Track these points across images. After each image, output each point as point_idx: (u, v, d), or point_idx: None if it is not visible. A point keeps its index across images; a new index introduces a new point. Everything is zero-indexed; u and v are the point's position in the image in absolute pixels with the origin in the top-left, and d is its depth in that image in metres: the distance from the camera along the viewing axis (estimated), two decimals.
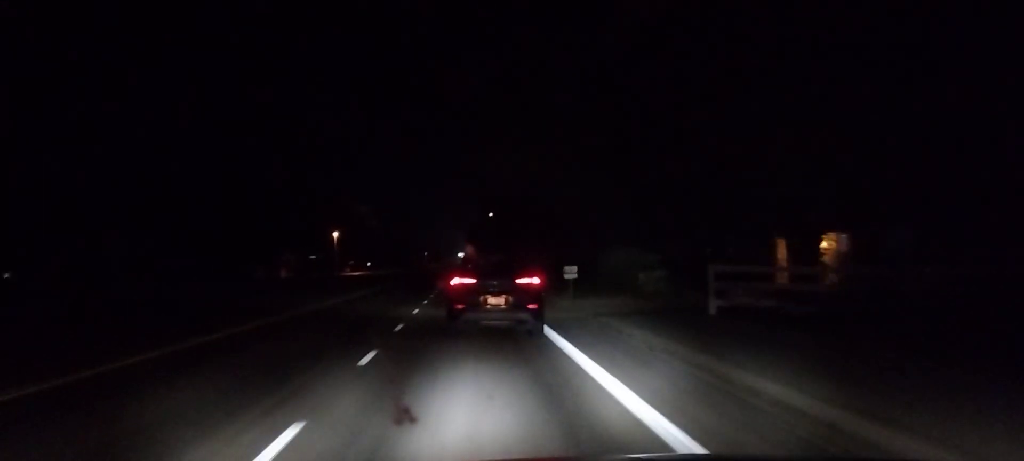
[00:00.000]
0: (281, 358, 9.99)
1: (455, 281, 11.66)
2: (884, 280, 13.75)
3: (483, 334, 12.19)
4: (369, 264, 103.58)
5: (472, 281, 11.48)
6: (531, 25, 24.29)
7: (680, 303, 17.90)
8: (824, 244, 23.49)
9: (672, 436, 5.25)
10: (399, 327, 14.38)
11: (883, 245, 18.83)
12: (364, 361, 9.39)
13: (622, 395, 6.93)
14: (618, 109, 23.09)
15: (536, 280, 11.36)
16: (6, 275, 34.66)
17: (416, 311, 19.19)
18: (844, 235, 20.33)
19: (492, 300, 11.29)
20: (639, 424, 5.71)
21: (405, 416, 5.81)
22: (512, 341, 11.39)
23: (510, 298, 11.22)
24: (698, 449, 4.85)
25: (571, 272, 21.10)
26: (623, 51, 21.73)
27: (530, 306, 11.23)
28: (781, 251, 21.45)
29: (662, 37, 20.42)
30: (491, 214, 50.73)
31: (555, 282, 24.38)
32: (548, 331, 12.38)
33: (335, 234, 68.34)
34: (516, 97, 25.80)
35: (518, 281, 11.30)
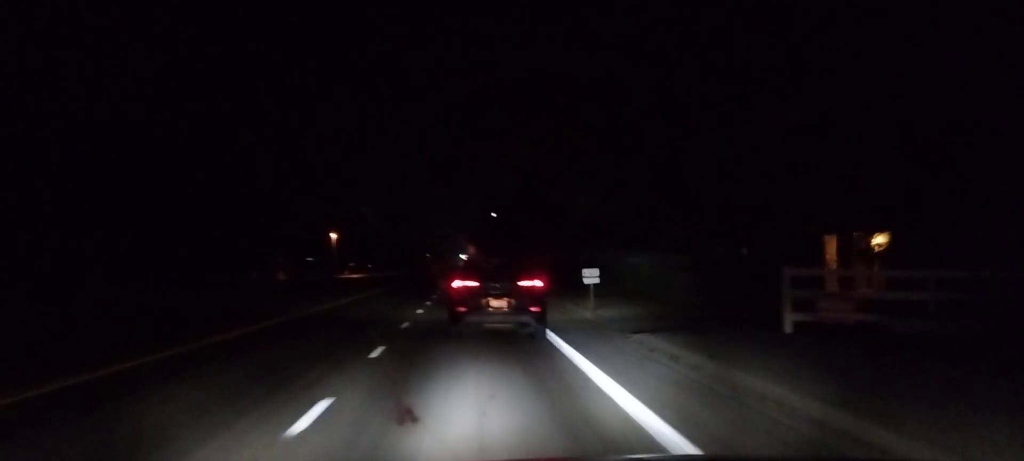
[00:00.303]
0: (203, 407, 6.64)
1: (457, 283, 11.52)
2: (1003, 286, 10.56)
3: (489, 367, 9.07)
4: (370, 266, 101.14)
5: (474, 283, 11.39)
6: (539, 11, 21.81)
7: (728, 314, 14.69)
8: (877, 240, 20.15)
9: None
10: (377, 351, 10.94)
11: (953, 243, 15.70)
12: (299, 427, 5.82)
13: None
14: (638, 90, 20.13)
15: (539, 282, 11.34)
16: None
17: (405, 325, 15.79)
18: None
19: (494, 303, 11.22)
20: None
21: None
22: (537, 390, 7.92)
23: (512, 301, 11.17)
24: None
25: (591, 276, 18.14)
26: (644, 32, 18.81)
27: (533, 309, 11.19)
28: (830, 250, 18.30)
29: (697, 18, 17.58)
30: (494, 214, 48.60)
31: (570, 287, 21.63)
32: (574, 355, 9.96)
33: (334, 235, 64.98)
34: (521, 92, 23.77)
35: (520, 283, 11.25)
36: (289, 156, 52.23)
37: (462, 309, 11.34)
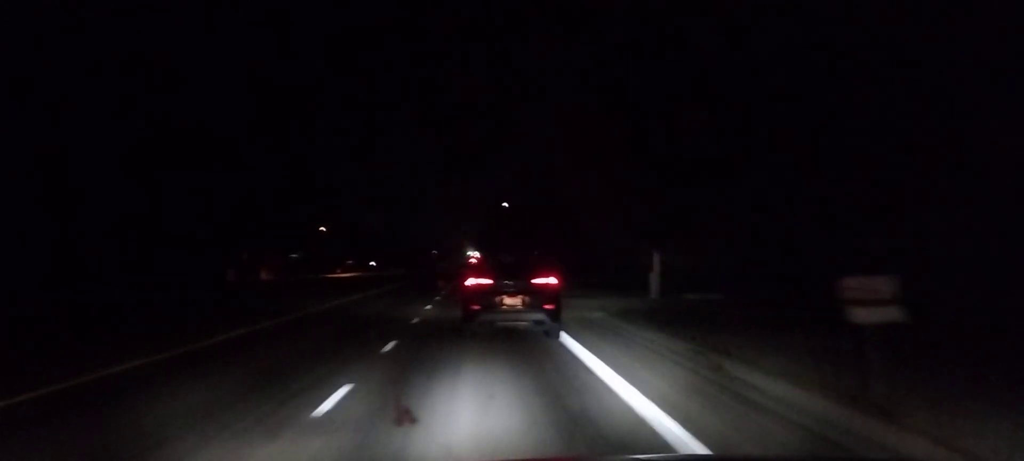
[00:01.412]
0: None
1: (470, 282, 11.95)
2: None
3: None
4: (372, 263, 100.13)
5: (488, 282, 11.75)
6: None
7: None
8: None
9: None
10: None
11: None
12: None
13: None
14: None
15: (553, 280, 11.71)
16: None
17: (385, 349, 11.20)
18: None
19: (508, 300, 11.57)
20: None
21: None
22: None
23: (527, 298, 11.52)
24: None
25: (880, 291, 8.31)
26: None
27: (547, 306, 11.51)
28: None
29: None
30: (505, 204, 47.65)
31: (606, 289, 18.79)
32: None
33: (323, 230, 63.41)
34: (527, 90, 22.32)
35: (534, 281, 11.61)
36: (282, 151, 51.23)
37: (476, 307, 11.69)
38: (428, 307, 20.55)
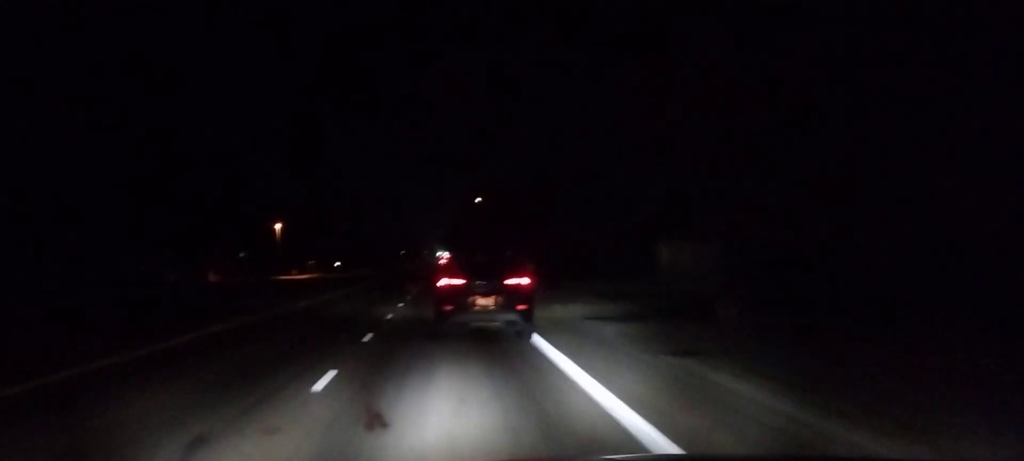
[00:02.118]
0: None
1: (443, 282, 12.16)
2: None
3: None
4: (337, 264, 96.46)
5: (460, 282, 12.01)
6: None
7: None
8: None
9: None
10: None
11: None
12: None
13: None
14: None
15: (526, 280, 12.00)
16: None
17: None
18: None
19: (481, 301, 11.87)
20: None
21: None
22: None
23: (500, 299, 11.81)
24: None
25: None
26: None
27: (520, 306, 11.83)
28: None
29: None
30: (478, 200, 45.43)
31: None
32: None
33: (278, 227, 59.09)
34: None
35: (507, 281, 11.89)
36: (235, 148, 48.90)
37: (448, 307, 11.93)
38: (374, 331, 16.41)
